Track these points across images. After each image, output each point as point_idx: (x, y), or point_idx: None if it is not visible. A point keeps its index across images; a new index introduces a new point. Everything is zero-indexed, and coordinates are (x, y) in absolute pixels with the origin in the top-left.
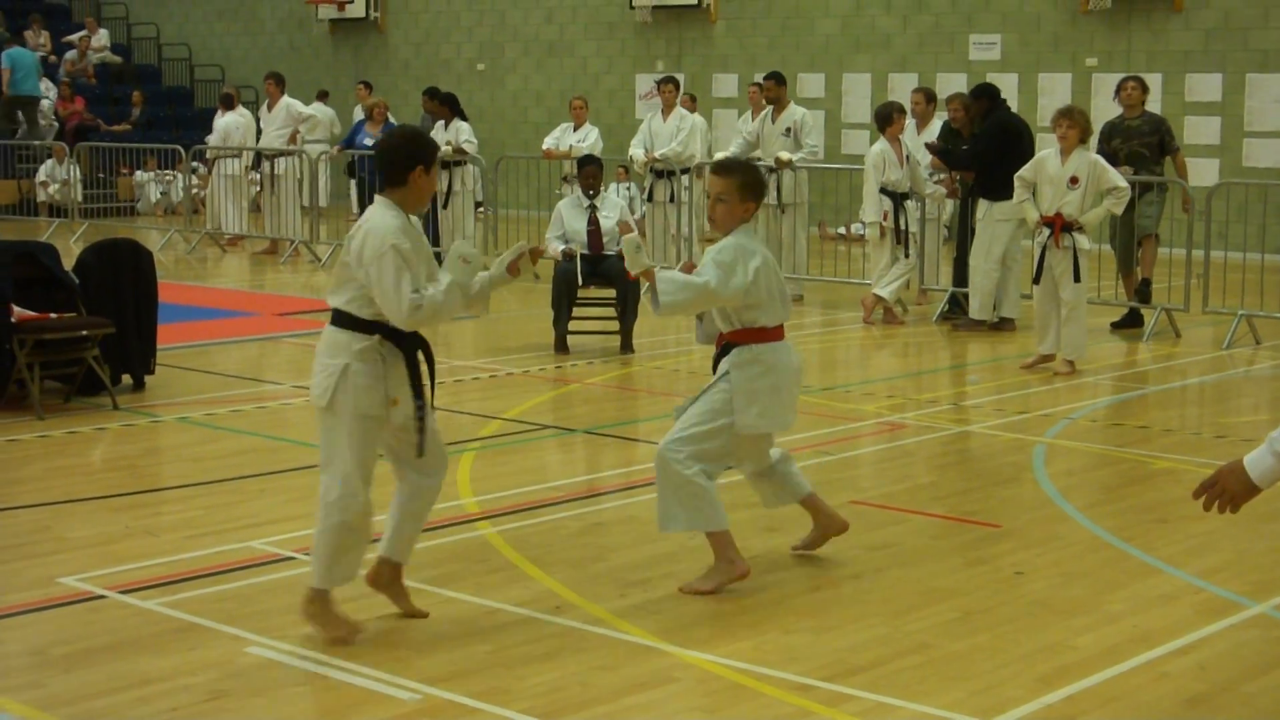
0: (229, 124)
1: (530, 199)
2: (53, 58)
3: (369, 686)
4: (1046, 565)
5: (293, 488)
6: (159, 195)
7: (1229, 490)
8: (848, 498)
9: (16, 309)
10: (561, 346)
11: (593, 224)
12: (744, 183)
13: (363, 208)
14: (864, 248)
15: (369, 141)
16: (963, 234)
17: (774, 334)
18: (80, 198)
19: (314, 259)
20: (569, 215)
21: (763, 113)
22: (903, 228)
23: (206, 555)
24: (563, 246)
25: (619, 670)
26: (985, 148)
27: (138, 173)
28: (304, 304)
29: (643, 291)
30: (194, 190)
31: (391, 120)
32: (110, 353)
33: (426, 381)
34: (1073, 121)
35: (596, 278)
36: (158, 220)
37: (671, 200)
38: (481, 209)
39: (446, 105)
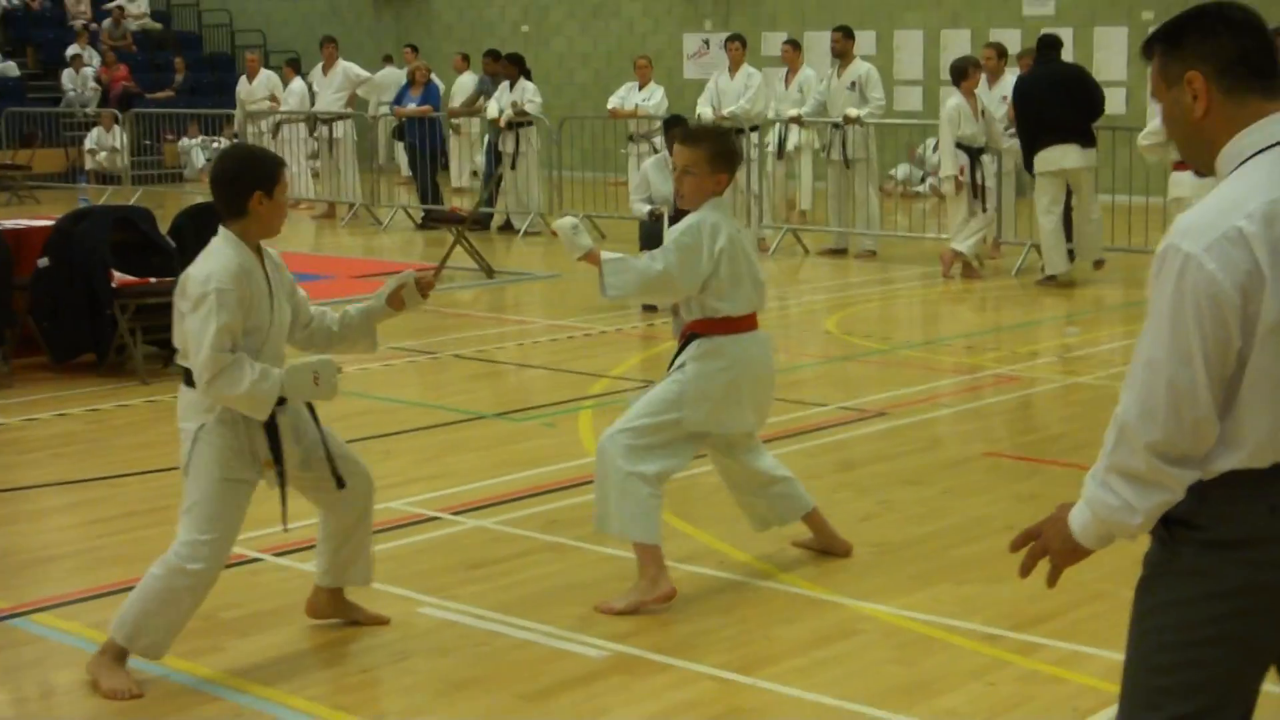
0: (302, 89)
1: (582, 161)
2: (94, 25)
3: (552, 644)
4: None
5: (418, 449)
6: (204, 161)
7: (1051, 548)
8: (980, 449)
9: (117, 274)
10: (649, 305)
11: None
12: (714, 153)
13: (414, 171)
14: (924, 203)
15: (412, 106)
16: None
17: (741, 324)
18: (129, 165)
19: (375, 222)
20: (655, 178)
21: (797, 74)
22: (979, 182)
23: None
24: (649, 208)
25: (800, 623)
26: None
27: (183, 139)
28: (378, 266)
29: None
30: None
31: (435, 82)
32: None
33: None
34: None
35: None
36: (205, 186)
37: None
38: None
39: (515, 65)
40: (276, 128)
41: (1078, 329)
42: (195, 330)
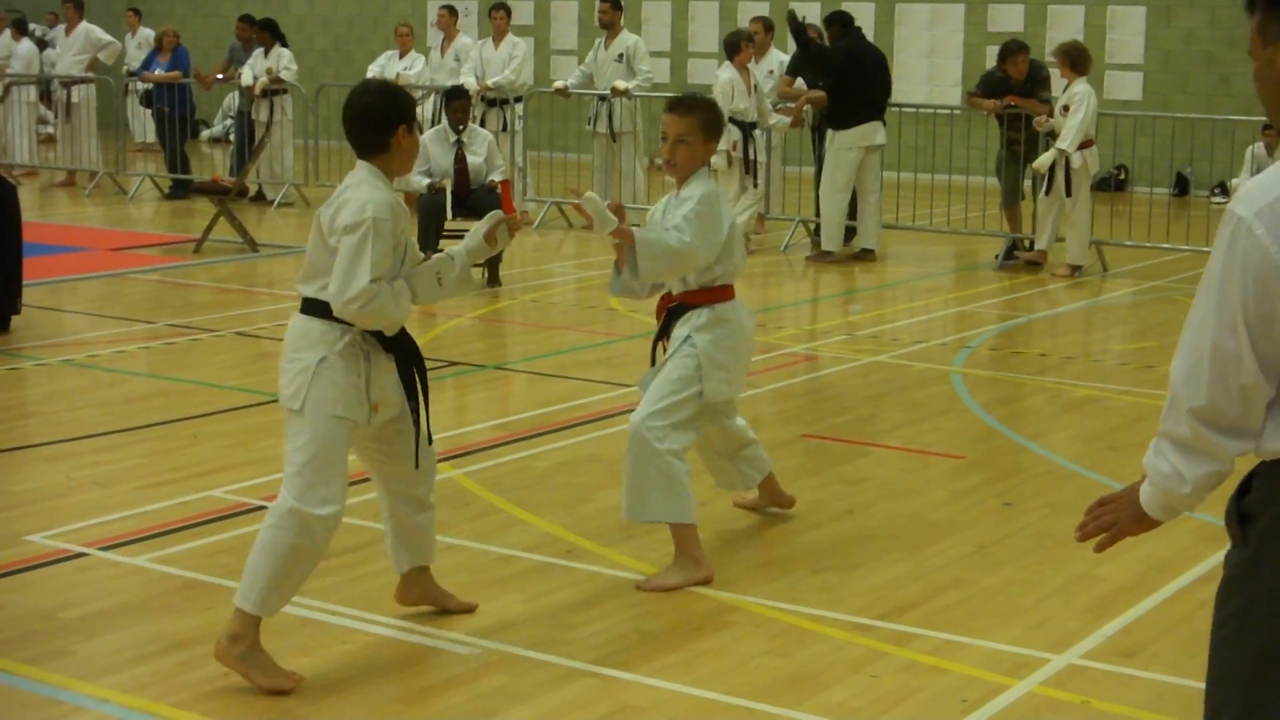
0: (29, 51)
1: (325, 129)
2: None
3: (417, 641)
4: (1028, 496)
5: (224, 433)
6: None
7: (1119, 515)
8: (796, 431)
9: None
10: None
11: (460, 161)
12: (706, 121)
13: (161, 139)
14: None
15: (159, 71)
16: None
17: (730, 291)
18: None
19: (120, 191)
20: (435, 150)
21: (454, 41)
22: (751, 157)
23: (171, 507)
24: (428, 181)
25: (666, 616)
26: (833, 75)
27: None
28: (134, 238)
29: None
30: None
31: (184, 47)
32: None
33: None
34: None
35: (464, 209)
36: None
37: (505, 129)
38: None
39: (268, 31)
40: (6, 91)
41: (861, 306)
42: (347, 257)
